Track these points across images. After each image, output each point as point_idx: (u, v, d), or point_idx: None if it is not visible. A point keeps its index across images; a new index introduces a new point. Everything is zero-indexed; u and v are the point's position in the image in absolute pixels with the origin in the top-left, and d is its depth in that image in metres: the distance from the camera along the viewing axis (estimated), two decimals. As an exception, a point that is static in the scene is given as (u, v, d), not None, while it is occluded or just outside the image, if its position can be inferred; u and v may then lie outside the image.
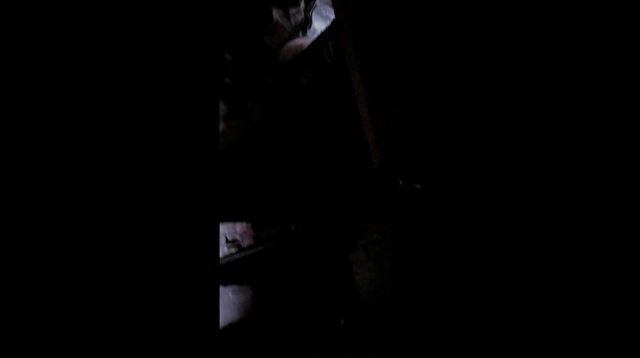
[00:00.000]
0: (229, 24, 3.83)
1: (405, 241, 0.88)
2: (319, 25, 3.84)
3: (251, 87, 3.86)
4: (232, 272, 2.03)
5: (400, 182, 0.88)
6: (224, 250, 2.04)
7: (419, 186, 0.85)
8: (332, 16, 4.05)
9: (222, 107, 3.50)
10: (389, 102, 1.04)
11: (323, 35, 2.54)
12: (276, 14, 3.64)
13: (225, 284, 1.93)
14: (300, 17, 3.71)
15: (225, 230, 2.02)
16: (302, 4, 3.69)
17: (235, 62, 3.75)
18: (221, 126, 3.21)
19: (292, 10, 3.66)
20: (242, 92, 3.77)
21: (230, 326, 1.88)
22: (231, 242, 2.08)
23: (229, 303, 1.84)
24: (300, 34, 3.72)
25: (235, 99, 3.69)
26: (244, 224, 2.05)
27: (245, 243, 2.11)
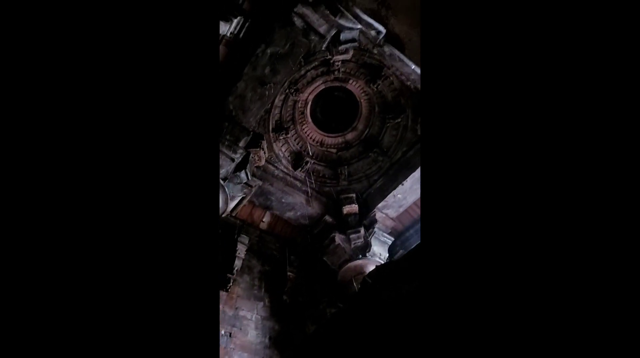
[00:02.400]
0: (294, 253, 4.24)
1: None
2: (377, 249, 4.10)
3: (307, 305, 3.77)
4: None
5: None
6: None
7: None
8: (390, 241, 4.37)
9: (276, 327, 3.30)
10: None
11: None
12: (338, 238, 3.99)
13: None
14: (360, 241, 4.01)
15: None
16: (363, 230, 4.07)
17: (295, 280, 3.86)
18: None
19: (353, 236, 4.01)
20: (298, 310, 3.66)
21: None
22: None
23: None
24: (360, 256, 3.91)
25: (290, 318, 3.54)
26: None
27: None
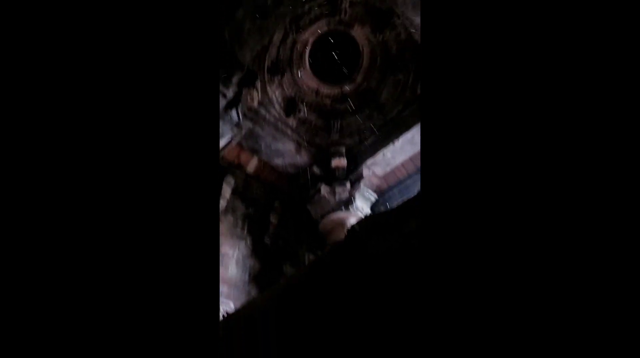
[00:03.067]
0: (277, 190, 4.26)
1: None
2: (360, 204, 4.18)
3: (287, 249, 3.90)
4: None
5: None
6: None
7: None
8: (373, 198, 4.46)
9: (256, 266, 3.43)
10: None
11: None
12: (324, 190, 4.02)
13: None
14: (344, 195, 4.07)
15: None
16: (348, 185, 4.11)
17: (278, 225, 3.94)
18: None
19: (339, 189, 4.05)
20: (278, 253, 3.78)
21: None
22: None
23: None
24: (343, 209, 3.99)
25: (271, 259, 3.66)
26: None
27: None
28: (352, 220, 3.89)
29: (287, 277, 1.77)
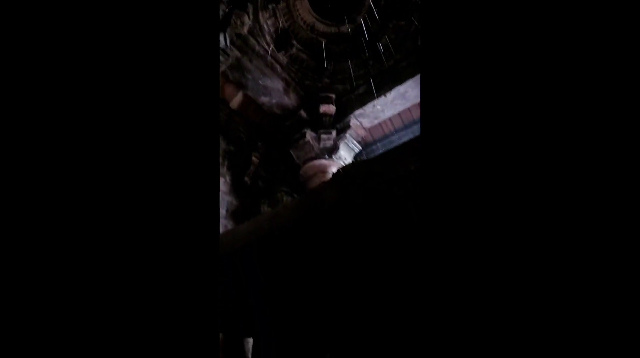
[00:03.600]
0: (261, 131, 4.11)
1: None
2: (344, 153, 4.16)
3: (267, 190, 3.90)
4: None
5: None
6: None
7: None
8: (357, 149, 4.44)
9: (234, 203, 3.42)
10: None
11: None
12: (309, 135, 3.94)
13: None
14: (329, 142, 4.01)
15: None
16: (334, 133, 4.03)
17: (259, 165, 3.87)
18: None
19: (324, 136, 3.98)
20: (257, 192, 3.77)
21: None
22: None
23: None
24: (326, 156, 3.97)
25: (249, 197, 3.66)
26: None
27: None
28: (334, 169, 3.90)
29: (269, 216, 1.75)
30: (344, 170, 1.72)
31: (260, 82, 3.82)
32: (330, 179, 1.71)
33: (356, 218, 1.49)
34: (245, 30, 3.28)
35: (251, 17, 3.47)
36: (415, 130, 4.52)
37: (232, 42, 3.28)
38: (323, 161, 3.93)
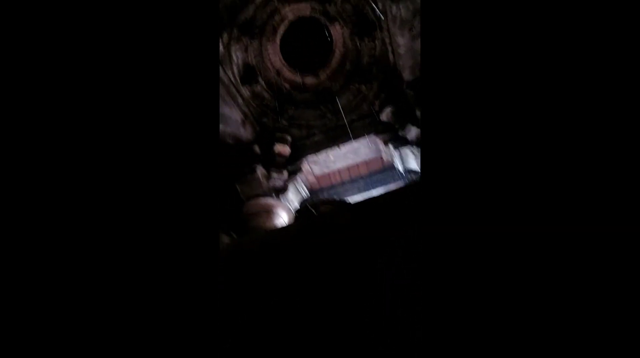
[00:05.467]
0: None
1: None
2: (291, 196, 4.06)
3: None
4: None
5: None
6: None
7: None
8: (304, 194, 4.40)
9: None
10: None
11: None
12: (259, 171, 3.78)
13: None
14: (279, 183, 3.90)
15: None
16: (286, 174, 3.96)
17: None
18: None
19: (275, 175, 3.87)
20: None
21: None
22: None
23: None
24: (273, 195, 3.81)
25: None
26: None
27: None
28: (280, 210, 3.73)
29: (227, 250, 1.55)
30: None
31: (220, 109, 3.66)
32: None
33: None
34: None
35: (224, 44, 3.43)
36: (360, 186, 4.72)
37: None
38: (270, 200, 3.76)
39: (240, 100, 3.89)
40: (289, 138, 4.16)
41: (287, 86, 4.35)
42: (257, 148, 3.95)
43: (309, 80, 4.42)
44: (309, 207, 1.59)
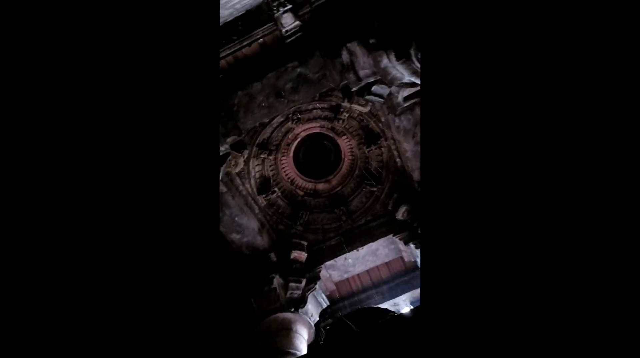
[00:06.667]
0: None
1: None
2: (311, 308, 3.73)
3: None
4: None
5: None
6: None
7: None
8: (325, 305, 4.04)
9: None
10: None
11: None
12: (276, 282, 3.57)
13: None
14: (297, 293, 3.63)
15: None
16: (304, 282, 3.73)
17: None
18: None
19: (293, 284, 3.64)
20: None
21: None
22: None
23: None
24: (292, 310, 3.49)
25: None
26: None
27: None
28: (299, 326, 3.36)
29: None
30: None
31: (236, 219, 3.72)
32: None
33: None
34: (237, 169, 3.44)
35: (244, 161, 3.73)
36: (384, 291, 4.37)
37: (220, 178, 3.36)
38: (288, 315, 3.42)
39: (256, 209, 3.98)
40: (305, 243, 4.08)
41: (300, 193, 4.52)
42: (273, 256, 3.83)
43: (321, 186, 4.62)
44: (345, 320, 1.45)
